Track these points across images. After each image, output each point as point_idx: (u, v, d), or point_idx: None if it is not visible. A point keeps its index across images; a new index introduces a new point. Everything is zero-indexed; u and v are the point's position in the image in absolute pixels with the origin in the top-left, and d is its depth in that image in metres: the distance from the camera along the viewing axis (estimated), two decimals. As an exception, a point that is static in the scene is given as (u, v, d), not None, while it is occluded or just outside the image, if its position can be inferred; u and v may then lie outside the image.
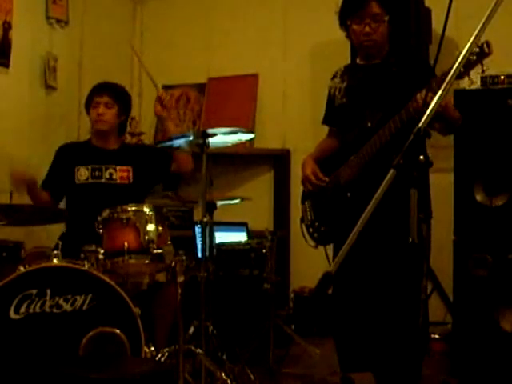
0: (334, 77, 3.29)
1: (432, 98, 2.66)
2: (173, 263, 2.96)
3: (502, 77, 3.45)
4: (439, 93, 1.61)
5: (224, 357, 3.24)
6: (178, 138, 3.26)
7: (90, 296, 2.72)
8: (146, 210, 3.06)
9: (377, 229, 2.30)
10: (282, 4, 5.01)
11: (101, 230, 3.03)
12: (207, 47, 5.17)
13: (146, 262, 2.98)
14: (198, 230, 4.26)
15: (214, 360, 3.14)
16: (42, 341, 2.66)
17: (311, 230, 3.25)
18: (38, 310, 2.67)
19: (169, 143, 3.35)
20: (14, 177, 3.44)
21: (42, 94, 4.35)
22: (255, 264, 3.66)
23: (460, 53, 2.54)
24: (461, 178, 3.48)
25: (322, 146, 3.35)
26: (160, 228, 3.05)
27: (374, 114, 3.00)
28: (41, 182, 3.64)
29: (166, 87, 5.24)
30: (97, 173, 3.66)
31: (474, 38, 1.63)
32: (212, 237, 3.30)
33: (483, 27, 1.59)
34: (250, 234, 4.50)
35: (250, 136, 3.57)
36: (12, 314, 2.64)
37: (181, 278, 2.92)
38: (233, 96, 5.00)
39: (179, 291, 2.92)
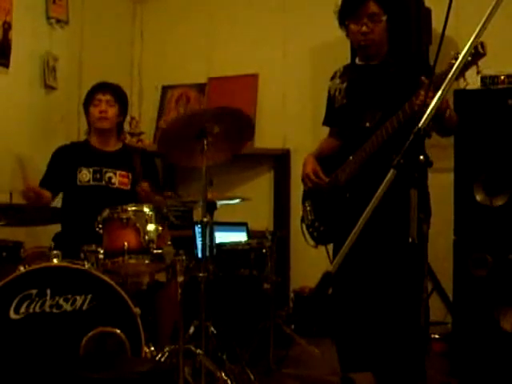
0: (333, 77, 3.29)
1: (429, 98, 2.68)
2: (173, 263, 2.96)
3: (502, 77, 3.45)
4: (439, 93, 1.61)
5: (224, 357, 3.24)
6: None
7: (89, 296, 2.73)
8: (146, 210, 3.06)
9: (377, 229, 2.30)
10: (282, 4, 5.01)
11: (101, 230, 3.03)
12: (207, 47, 5.17)
13: (146, 261, 2.98)
14: (197, 230, 4.26)
15: (214, 360, 3.14)
16: (42, 341, 2.66)
17: (311, 229, 3.25)
18: (37, 309, 2.67)
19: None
20: (26, 193, 3.41)
21: (42, 94, 4.35)
22: (255, 264, 3.65)
23: (456, 53, 2.56)
24: (461, 178, 3.48)
25: (323, 146, 3.35)
26: (160, 228, 3.05)
27: (373, 114, 3.00)
28: (39, 182, 3.63)
29: (166, 87, 5.26)
30: (97, 175, 3.66)
31: (474, 38, 1.63)
32: (212, 237, 3.30)
33: (483, 27, 1.59)
34: (249, 234, 4.49)
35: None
36: (12, 314, 2.64)
37: (181, 278, 2.92)
38: (233, 96, 5.00)
39: (179, 291, 2.92)
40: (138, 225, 3.00)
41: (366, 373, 3.05)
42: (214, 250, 3.45)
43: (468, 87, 3.47)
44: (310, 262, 3.91)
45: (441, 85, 2.58)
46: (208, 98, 5.09)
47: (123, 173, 3.70)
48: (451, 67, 2.58)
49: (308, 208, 3.29)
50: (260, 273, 3.65)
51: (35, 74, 4.28)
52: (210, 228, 3.24)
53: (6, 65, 3.98)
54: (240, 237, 4.36)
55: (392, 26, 3.09)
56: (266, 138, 4.96)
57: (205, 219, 3.17)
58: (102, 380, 2.36)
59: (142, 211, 3.05)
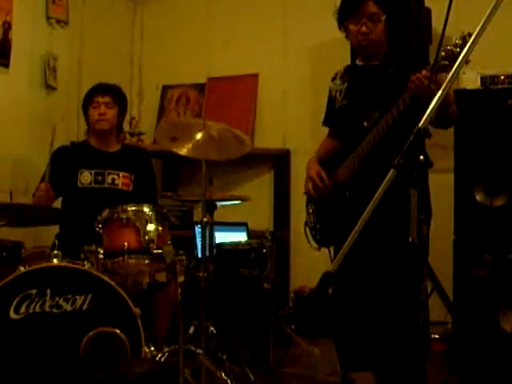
0: (334, 78, 3.30)
1: (425, 76, 2.67)
2: (173, 263, 2.96)
3: (502, 77, 3.45)
4: (439, 93, 1.61)
5: (224, 357, 3.24)
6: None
7: (89, 296, 2.73)
8: (146, 209, 3.06)
9: (377, 229, 2.30)
10: (282, 4, 5.01)
11: (101, 230, 3.03)
12: (207, 47, 5.18)
13: (146, 261, 2.98)
14: (197, 229, 4.26)
15: (214, 360, 3.14)
16: (42, 341, 2.66)
17: (313, 232, 3.25)
18: (38, 309, 2.67)
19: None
20: (39, 198, 3.43)
21: (42, 94, 4.35)
22: (255, 264, 3.65)
23: (447, 46, 2.56)
24: (461, 177, 3.48)
25: (324, 148, 3.35)
26: (160, 228, 3.04)
27: (371, 113, 3.00)
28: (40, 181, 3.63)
29: (166, 87, 5.26)
30: (99, 178, 3.65)
31: (474, 38, 1.63)
32: (212, 237, 3.30)
33: (483, 27, 1.59)
34: (249, 234, 4.49)
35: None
36: (12, 314, 2.64)
37: (181, 278, 2.92)
38: (233, 96, 5.00)
39: (179, 291, 2.92)
40: (138, 225, 3.00)
41: (366, 373, 3.04)
42: (214, 250, 3.45)
43: (468, 87, 3.49)
44: (310, 262, 3.92)
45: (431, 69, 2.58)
46: (208, 97, 5.09)
47: (126, 174, 3.69)
48: (443, 59, 2.60)
49: (311, 210, 3.29)
50: (260, 273, 3.65)
51: (35, 73, 4.28)
52: (210, 228, 3.24)
53: (6, 65, 3.97)
54: (240, 237, 4.36)
55: (392, 26, 3.09)
56: (266, 138, 4.96)
57: (205, 219, 3.17)
58: (102, 380, 2.36)
59: (142, 211, 3.05)
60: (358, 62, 3.23)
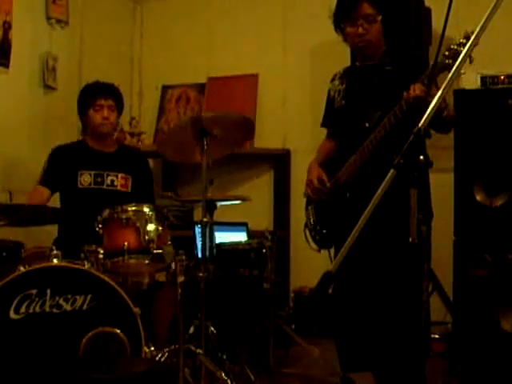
0: (333, 79, 3.30)
1: (422, 91, 2.68)
2: (173, 263, 2.96)
3: (502, 77, 3.45)
4: (439, 93, 1.61)
5: (224, 357, 3.24)
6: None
7: (89, 296, 2.72)
8: (146, 209, 3.06)
9: (377, 229, 2.30)
10: (282, 4, 5.01)
11: (101, 230, 3.03)
12: (207, 47, 5.17)
13: (146, 261, 2.98)
14: (198, 230, 4.26)
15: (214, 360, 3.14)
16: (42, 341, 2.66)
17: (313, 233, 3.25)
18: (37, 309, 2.67)
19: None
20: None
21: (42, 94, 4.35)
22: (255, 264, 3.65)
23: (449, 46, 2.56)
24: (461, 177, 3.48)
25: (324, 150, 3.34)
26: (160, 228, 3.04)
27: (372, 114, 3.00)
28: (39, 177, 3.62)
29: (166, 87, 5.26)
30: (99, 179, 3.65)
31: (474, 38, 1.63)
32: (212, 237, 3.30)
33: (483, 27, 1.59)
34: (250, 234, 4.49)
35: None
36: (12, 314, 2.64)
37: (181, 278, 2.92)
38: (233, 96, 5.00)
39: (179, 291, 2.92)
40: (138, 225, 3.00)
41: (366, 373, 3.05)
42: (214, 250, 3.45)
43: (468, 87, 3.49)
44: (310, 262, 3.91)
45: (436, 75, 2.59)
46: (208, 97, 5.09)
47: (124, 175, 3.69)
48: (445, 58, 2.60)
49: (310, 212, 3.29)
50: (260, 273, 3.65)
51: (35, 74, 4.28)
52: (209, 228, 3.24)
53: (6, 65, 3.97)
54: (240, 237, 4.37)
55: (389, 26, 3.09)
56: (266, 138, 4.95)
57: (205, 219, 3.17)
58: (102, 380, 2.35)
59: (142, 211, 3.05)
60: (356, 63, 3.24)
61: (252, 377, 3.32)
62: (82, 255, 2.94)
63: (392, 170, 1.56)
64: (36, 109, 4.30)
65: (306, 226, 3.31)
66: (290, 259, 4.89)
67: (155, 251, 2.97)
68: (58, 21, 4.44)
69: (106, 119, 3.64)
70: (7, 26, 3.95)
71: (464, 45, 2.53)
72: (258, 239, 3.77)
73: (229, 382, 3.03)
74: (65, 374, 2.38)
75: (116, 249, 2.95)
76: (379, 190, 1.56)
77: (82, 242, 3.03)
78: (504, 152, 3.38)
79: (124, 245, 2.93)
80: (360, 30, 3.03)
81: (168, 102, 5.23)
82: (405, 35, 3.83)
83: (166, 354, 3.01)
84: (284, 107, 5.02)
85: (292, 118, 4.98)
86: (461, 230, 3.47)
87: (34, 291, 2.67)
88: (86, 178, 3.63)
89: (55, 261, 2.76)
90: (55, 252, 2.77)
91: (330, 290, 3.04)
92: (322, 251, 3.23)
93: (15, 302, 2.64)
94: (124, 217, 3.01)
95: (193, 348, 3.06)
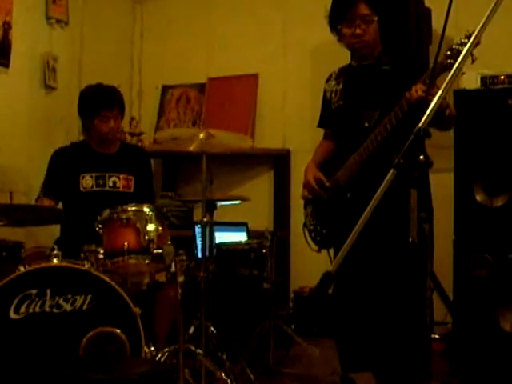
0: (328, 79, 3.29)
1: (423, 91, 2.69)
2: (173, 263, 2.96)
3: (502, 77, 3.45)
4: (439, 92, 1.61)
5: (224, 357, 3.24)
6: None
7: (89, 296, 2.73)
8: (146, 210, 3.06)
9: (377, 228, 2.30)
10: (282, 4, 5.01)
11: (101, 230, 3.03)
12: (207, 47, 5.17)
13: (146, 261, 2.98)
14: (198, 230, 4.26)
15: (214, 360, 3.14)
16: (42, 341, 2.66)
17: (313, 234, 3.25)
18: (37, 309, 2.67)
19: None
20: None
21: (42, 94, 4.35)
22: (255, 264, 3.65)
23: (451, 46, 2.56)
24: (461, 177, 3.48)
25: (322, 151, 3.34)
26: (160, 228, 3.04)
27: (371, 113, 3.00)
28: (41, 187, 3.62)
29: (166, 87, 5.26)
30: (101, 181, 3.64)
31: (474, 38, 1.63)
32: (212, 237, 3.30)
33: (483, 27, 1.59)
34: (249, 234, 4.49)
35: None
36: (12, 314, 2.64)
37: (181, 278, 2.92)
38: (233, 96, 5.00)
39: (179, 291, 2.92)
40: (138, 225, 3.00)
41: (366, 373, 3.05)
42: (214, 250, 3.45)
43: (468, 87, 3.49)
44: (310, 262, 3.91)
45: (437, 75, 2.58)
46: (208, 97, 5.09)
47: (126, 176, 3.68)
48: (447, 58, 2.60)
49: (309, 212, 3.29)
50: (260, 273, 3.65)
51: (35, 74, 4.28)
52: (209, 228, 3.24)
53: (6, 65, 3.98)
54: (240, 237, 4.36)
55: (387, 26, 3.09)
56: (266, 138, 4.96)
57: (205, 219, 3.17)
58: (102, 380, 2.35)
59: (142, 211, 3.05)
60: (352, 62, 3.23)
61: (252, 377, 3.32)
62: (82, 255, 2.94)
63: (392, 170, 1.56)
64: (36, 109, 4.30)
65: (304, 225, 3.30)
66: (290, 259, 4.89)
67: (155, 251, 2.97)
68: (58, 21, 4.44)
69: (113, 129, 3.64)
70: (7, 26, 3.95)
71: (465, 44, 2.53)
72: (257, 239, 3.77)
73: (229, 382, 3.04)
74: (65, 374, 2.38)
75: (116, 249, 2.95)
76: (379, 190, 1.56)
77: (84, 243, 3.03)
78: (504, 152, 3.38)
79: (124, 245, 2.93)
80: (357, 30, 3.02)
81: (168, 102, 5.23)
82: (403, 35, 3.83)
83: (166, 354, 3.01)
84: (284, 107, 5.02)
85: (292, 118, 4.97)
86: (461, 230, 3.47)
87: (34, 291, 2.67)
88: (87, 181, 3.62)
89: (55, 261, 2.76)
90: (55, 252, 2.77)
91: (330, 291, 3.04)
92: (322, 251, 3.23)
93: (15, 302, 2.64)
94: (124, 217, 3.01)
95: (193, 348, 3.06)
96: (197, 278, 3.14)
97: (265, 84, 4.99)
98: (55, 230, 3.63)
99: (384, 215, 1.97)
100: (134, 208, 3.05)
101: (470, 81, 3.48)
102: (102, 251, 2.94)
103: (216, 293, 3.35)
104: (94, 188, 3.62)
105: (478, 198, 3.40)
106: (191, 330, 3.27)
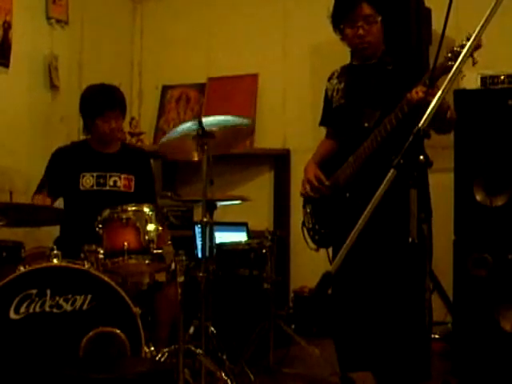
0: (330, 78, 3.29)
1: (423, 92, 2.69)
2: (173, 263, 2.96)
3: (502, 77, 3.45)
4: (439, 93, 1.61)
5: (224, 357, 3.24)
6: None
7: (89, 296, 2.73)
8: (146, 209, 3.06)
9: (377, 229, 2.30)
10: (282, 4, 5.01)
11: (101, 230, 3.03)
12: (207, 47, 5.18)
13: (146, 262, 2.98)
14: (198, 230, 4.26)
15: (214, 360, 3.14)
16: (42, 341, 2.66)
17: (312, 233, 3.25)
18: (37, 309, 2.67)
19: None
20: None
21: (42, 94, 4.35)
22: (255, 264, 3.65)
23: (452, 47, 2.56)
24: (461, 178, 3.48)
25: (322, 149, 3.34)
26: (160, 228, 3.04)
27: (372, 113, 3.00)
28: (39, 185, 3.62)
29: (166, 87, 5.26)
30: (101, 180, 3.64)
31: (474, 38, 1.63)
32: (212, 237, 3.30)
33: (483, 27, 1.59)
34: (249, 234, 4.49)
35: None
36: (12, 314, 2.64)
37: (181, 278, 2.92)
38: (233, 96, 5.00)
39: (179, 291, 2.92)
40: (138, 225, 3.00)
41: (365, 372, 3.04)
42: (214, 250, 3.45)
43: (468, 87, 3.49)
44: (310, 262, 3.91)
45: (437, 77, 2.58)
46: (208, 97, 5.09)
47: (126, 176, 3.68)
48: (448, 60, 2.60)
49: (308, 211, 3.29)
50: (260, 273, 3.65)
51: (35, 73, 4.29)
52: (209, 228, 3.24)
53: (6, 65, 3.98)
54: (240, 237, 4.37)
55: (389, 26, 3.08)
56: (266, 138, 4.96)
57: (205, 219, 3.17)
58: (102, 380, 2.36)
59: (142, 211, 3.05)
60: (354, 62, 3.22)
61: (252, 377, 3.32)
62: (82, 255, 2.95)
63: (392, 170, 1.56)
64: (36, 108, 4.30)
65: (303, 224, 3.30)
66: (290, 259, 4.89)
67: (155, 251, 2.97)
68: (58, 21, 4.44)
69: (115, 130, 3.64)
70: (7, 26, 3.95)
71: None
72: (257, 239, 3.77)
73: (229, 382, 3.03)
74: (65, 374, 2.39)
75: (116, 249, 2.95)
76: (379, 190, 1.56)
77: (84, 243, 3.03)
78: (504, 152, 3.38)
79: (124, 245, 2.93)
80: (360, 31, 3.02)
81: (168, 102, 5.23)
82: (404, 35, 3.83)
83: (166, 354, 3.01)
84: (284, 107, 5.02)
85: (292, 117, 4.97)
86: (461, 230, 3.47)
87: (34, 291, 2.67)
88: (88, 180, 3.62)
89: (55, 261, 2.76)
90: (55, 252, 2.77)
91: (330, 291, 3.04)
92: (321, 251, 3.23)
93: (15, 302, 2.64)
94: (124, 217, 3.01)
95: (193, 348, 3.06)
96: (197, 278, 3.14)
97: (265, 84, 4.99)
98: (55, 230, 3.63)
99: (383, 215, 1.97)
100: (133, 208, 3.05)
101: (470, 81, 3.48)
102: (101, 251, 2.94)
103: (216, 293, 3.35)
104: (95, 187, 3.62)
105: (478, 197, 3.40)
106: (191, 330, 3.26)
